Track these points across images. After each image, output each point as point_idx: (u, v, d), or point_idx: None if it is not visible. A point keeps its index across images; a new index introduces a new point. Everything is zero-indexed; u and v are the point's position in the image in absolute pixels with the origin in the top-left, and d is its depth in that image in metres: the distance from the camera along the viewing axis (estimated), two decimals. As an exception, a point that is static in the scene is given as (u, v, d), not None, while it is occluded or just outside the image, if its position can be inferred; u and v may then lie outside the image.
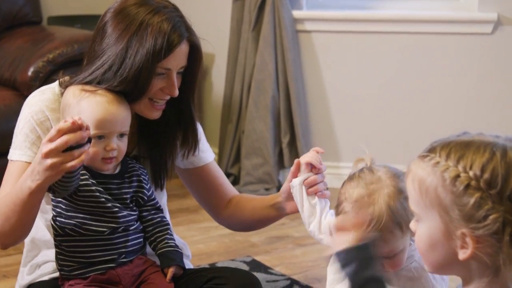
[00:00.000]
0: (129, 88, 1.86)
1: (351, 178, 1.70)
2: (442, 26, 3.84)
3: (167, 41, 1.85)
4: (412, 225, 1.34)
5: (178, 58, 1.89)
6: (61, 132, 1.65)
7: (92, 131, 1.81)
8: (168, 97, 1.93)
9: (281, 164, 4.01)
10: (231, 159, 4.04)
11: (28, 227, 1.86)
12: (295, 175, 1.92)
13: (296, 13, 3.93)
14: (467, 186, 1.21)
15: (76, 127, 1.65)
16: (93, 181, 1.86)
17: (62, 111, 1.89)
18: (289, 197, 1.98)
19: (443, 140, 1.28)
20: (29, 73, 3.53)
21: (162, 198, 2.14)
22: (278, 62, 3.90)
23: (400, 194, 1.63)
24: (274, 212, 2.09)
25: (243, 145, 3.99)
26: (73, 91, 1.87)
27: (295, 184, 1.90)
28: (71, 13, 4.33)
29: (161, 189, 2.08)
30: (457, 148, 1.24)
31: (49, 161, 1.66)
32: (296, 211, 1.96)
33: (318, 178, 1.88)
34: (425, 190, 1.26)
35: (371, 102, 3.96)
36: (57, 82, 1.98)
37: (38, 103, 1.94)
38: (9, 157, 1.95)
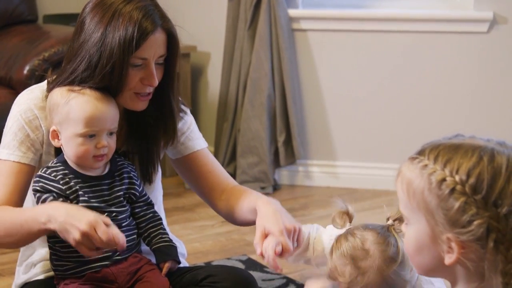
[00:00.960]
0: (109, 82, 1.84)
1: (337, 247, 1.64)
2: (438, 25, 3.85)
3: (139, 30, 1.81)
4: (403, 227, 1.33)
5: (154, 47, 1.86)
6: (106, 238, 1.71)
7: (82, 130, 1.82)
8: (151, 89, 1.90)
9: (276, 163, 4.01)
10: (227, 158, 4.04)
11: (27, 244, 1.94)
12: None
13: (292, 12, 3.93)
14: (452, 190, 1.20)
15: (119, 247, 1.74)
16: (85, 198, 1.85)
17: (49, 112, 1.88)
18: None
19: (433, 143, 1.27)
20: (25, 72, 3.53)
21: (158, 196, 2.14)
22: (274, 61, 3.90)
23: (392, 263, 1.59)
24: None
25: (239, 143, 3.99)
26: (61, 91, 1.86)
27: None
28: (66, 12, 4.31)
29: (150, 183, 2.06)
30: (446, 151, 1.24)
31: (78, 236, 1.71)
32: None
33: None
34: (412, 192, 1.25)
35: (367, 101, 3.96)
36: (46, 81, 1.97)
37: (26, 102, 1.94)
38: None
